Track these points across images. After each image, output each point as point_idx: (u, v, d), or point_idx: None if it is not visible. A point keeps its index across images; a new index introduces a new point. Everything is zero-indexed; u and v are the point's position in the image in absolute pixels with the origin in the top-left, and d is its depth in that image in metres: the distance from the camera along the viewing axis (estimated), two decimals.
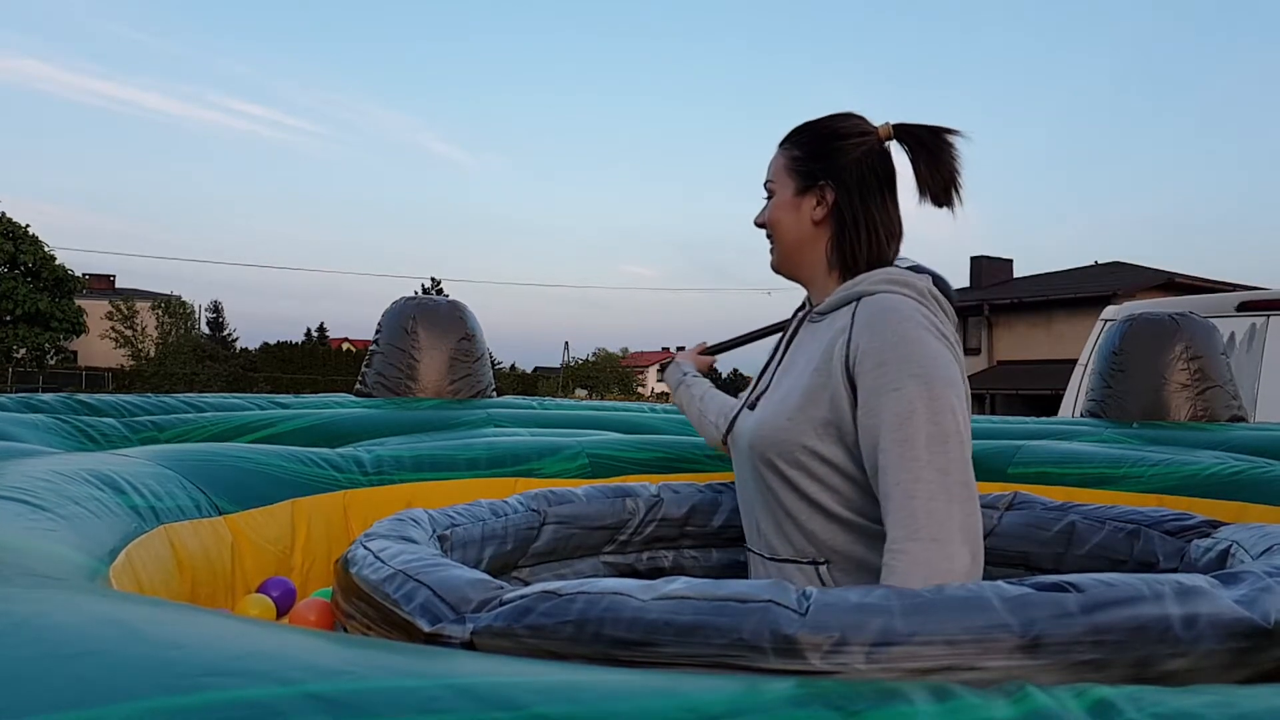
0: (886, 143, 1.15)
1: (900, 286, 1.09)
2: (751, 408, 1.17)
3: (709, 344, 1.52)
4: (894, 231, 1.15)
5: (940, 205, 1.14)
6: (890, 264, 1.13)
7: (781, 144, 1.20)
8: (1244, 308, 4.21)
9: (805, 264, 1.17)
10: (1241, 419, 2.91)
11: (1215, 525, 1.08)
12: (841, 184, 1.13)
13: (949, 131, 1.14)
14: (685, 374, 1.48)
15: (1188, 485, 1.43)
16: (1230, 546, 0.97)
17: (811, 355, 1.10)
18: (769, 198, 1.20)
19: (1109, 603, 0.65)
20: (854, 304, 1.09)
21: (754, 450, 1.11)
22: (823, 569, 1.06)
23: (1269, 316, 4.09)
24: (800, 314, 1.22)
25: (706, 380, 1.46)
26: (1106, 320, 4.26)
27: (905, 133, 1.14)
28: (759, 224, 1.21)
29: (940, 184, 1.13)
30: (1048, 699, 0.47)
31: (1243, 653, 0.64)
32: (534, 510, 1.26)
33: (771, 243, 1.20)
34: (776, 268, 1.21)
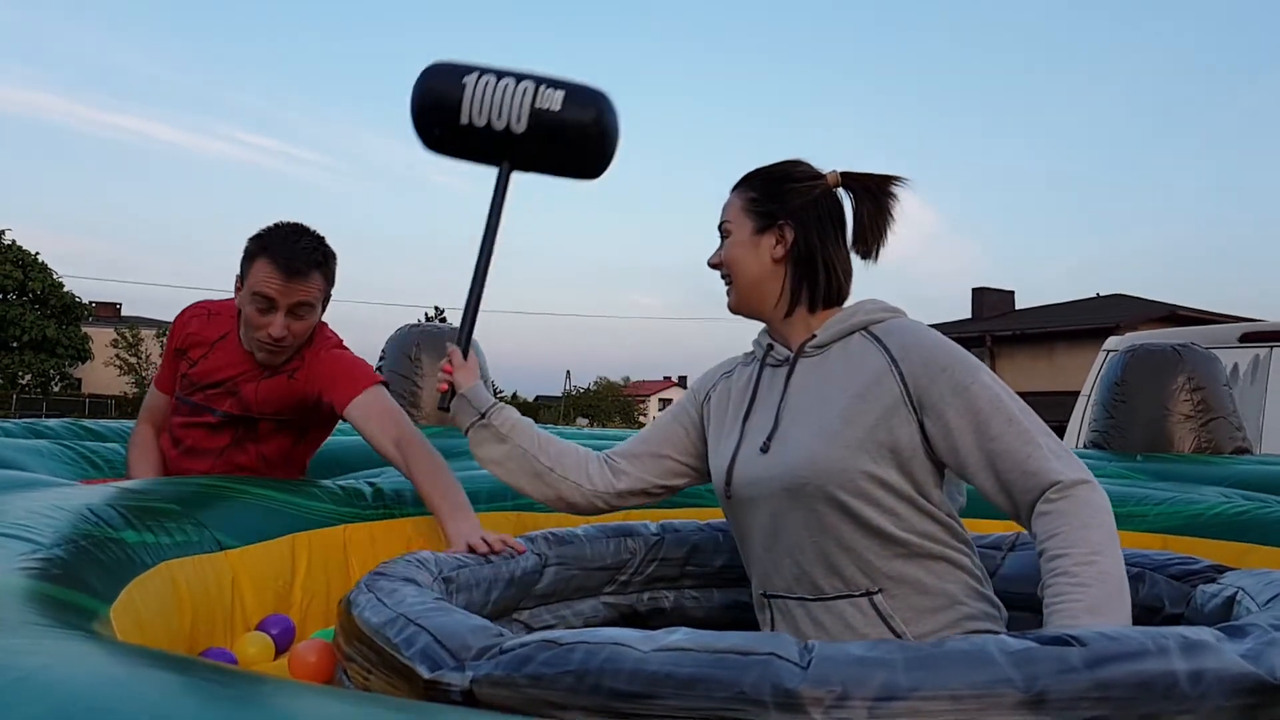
0: (835, 189, 1.19)
1: (896, 311, 1.18)
2: (764, 450, 1.12)
3: (458, 342, 1.35)
4: (848, 270, 1.19)
5: (865, 257, 1.18)
6: (845, 299, 1.19)
7: (736, 187, 1.22)
8: (1247, 339, 4.21)
9: (764, 301, 1.19)
10: (1246, 450, 2.90)
11: (1221, 570, 1.08)
12: (800, 223, 1.16)
13: (896, 180, 1.18)
14: (485, 409, 1.28)
15: (1193, 525, 1.43)
16: (1236, 593, 0.96)
17: (843, 385, 1.10)
18: (724, 237, 1.22)
19: (1113, 657, 0.64)
20: (866, 336, 1.13)
21: (804, 487, 1.07)
22: (877, 598, 1.06)
23: (1272, 348, 4.08)
24: (765, 351, 1.21)
25: (513, 411, 1.32)
26: (1109, 351, 4.26)
27: (853, 180, 1.18)
28: (714, 265, 1.23)
29: (876, 234, 1.17)
30: None
31: (1250, 709, 0.63)
32: (536, 553, 1.25)
33: (728, 283, 1.22)
34: (734, 307, 1.22)
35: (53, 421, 2.70)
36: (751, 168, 1.23)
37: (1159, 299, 18.61)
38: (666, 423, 1.31)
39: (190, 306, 1.70)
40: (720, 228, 1.23)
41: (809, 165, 1.21)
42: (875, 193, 1.17)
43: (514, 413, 1.31)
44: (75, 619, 0.73)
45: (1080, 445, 3.72)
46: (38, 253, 27.02)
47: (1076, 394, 4.56)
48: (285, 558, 1.29)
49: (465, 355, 1.33)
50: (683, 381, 52.37)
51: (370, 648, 0.81)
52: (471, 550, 1.22)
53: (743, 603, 1.37)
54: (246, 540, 1.24)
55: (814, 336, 1.16)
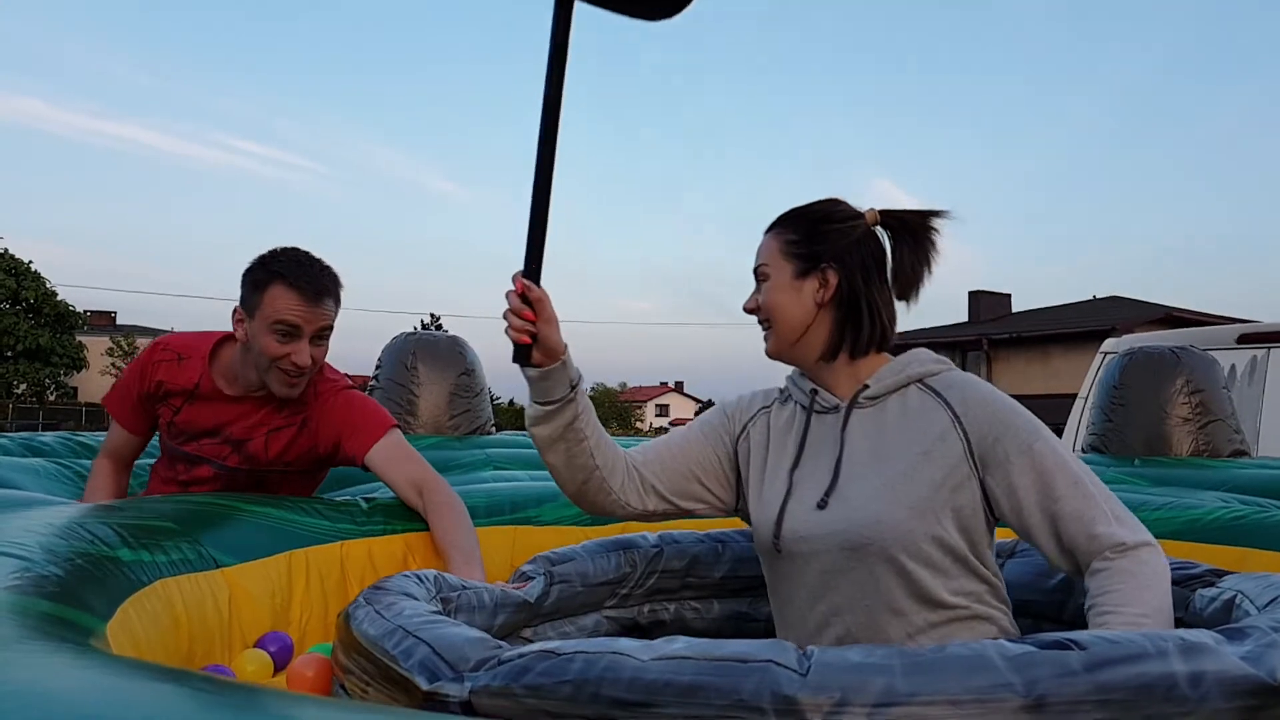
0: (874, 227, 1.15)
1: (946, 362, 1.16)
2: (822, 505, 1.08)
3: (526, 271, 1.07)
4: (893, 314, 1.15)
5: (902, 299, 1.15)
6: (890, 344, 1.16)
7: (771, 229, 1.18)
8: (1244, 340, 4.22)
9: (806, 347, 1.14)
10: (1244, 453, 2.90)
11: (1219, 574, 1.08)
12: (844, 266, 1.12)
13: (935, 215, 1.15)
14: (577, 380, 1.10)
15: (1191, 530, 1.43)
16: (1235, 597, 0.96)
17: (905, 442, 1.07)
18: (761, 281, 1.17)
19: (1113, 660, 0.64)
20: (923, 389, 1.11)
21: (867, 547, 1.04)
22: None
23: (1270, 349, 4.09)
24: (809, 397, 1.16)
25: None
26: (1106, 353, 4.27)
27: (891, 218, 1.15)
28: (750, 310, 1.18)
29: (916, 276, 1.14)
30: None
31: (1251, 711, 0.63)
32: (541, 574, 1.24)
33: (766, 328, 1.17)
34: (773, 353, 1.17)
35: (48, 436, 2.69)
36: (787, 208, 1.18)
37: (1155, 301, 18.67)
38: (699, 445, 1.22)
39: (150, 350, 1.61)
40: (756, 271, 1.18)
41: (847, 204, 1.17)
42: (914, 230, 1.14)
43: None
44: (71, 635, 0.73)
45: (1077, 449, 3.73)
46: (30, 262, 26.98)
47: (1073, 397, 4.57)
48: (282, 575, 1.28)
49: (538, 284, 1.06)
50: (679, 386, 52.37)
51: (368, 659, 0.81)
52: None
53: (742, 613, 1.37)
54: (243, 558, 1.23)
55: (866, 387, 1.12)
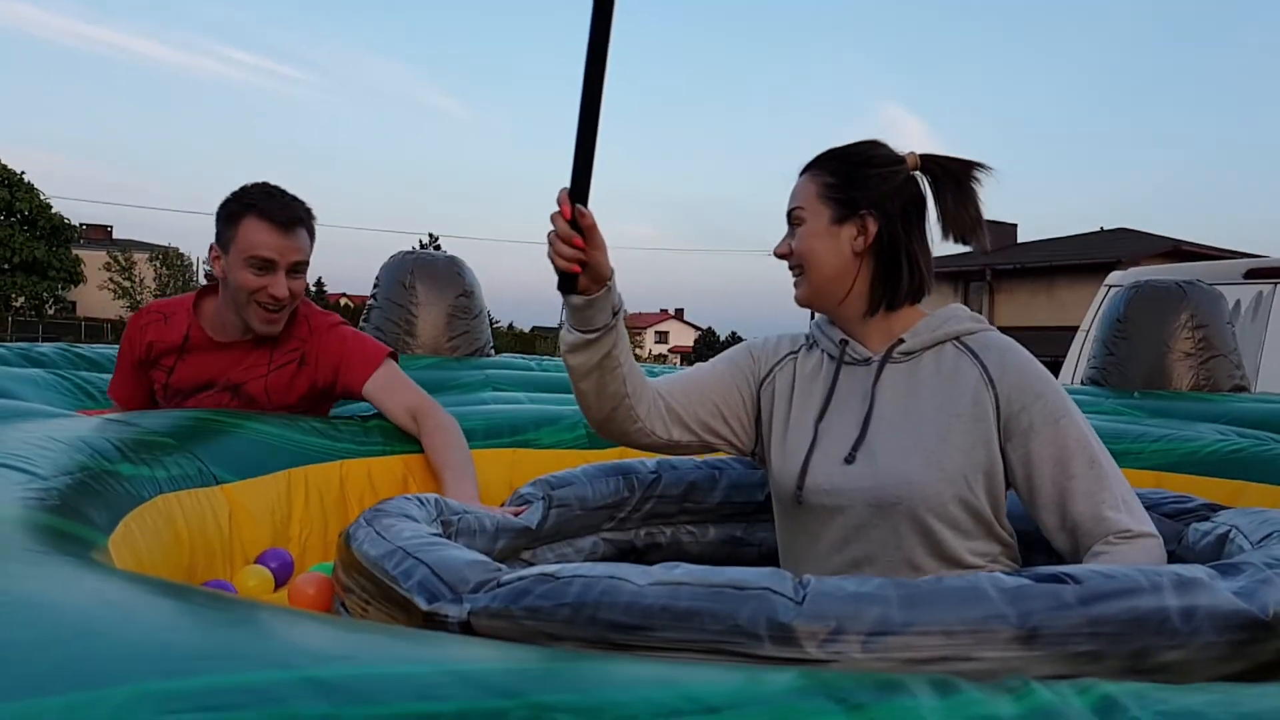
0: (914, 172, 1.09)
1: (983, 321, 1.11)
2: (849, 460, 1.06)
3: (572, 194, 0.97)
4: (930, 265, 1.11)
5: (965, 242, 1.09)
6: (924, 297, 1.12)
7: (808, 170, 1.12)
8: (1251, 275, 4.18)
9: (840, 297, 1.10)
10: (1244, 389, 2.90)
11: (1214, 509, 1.09)
12: (884, 213, 1.07)
13: (978, 166, 1.09)
14: (619, 307, 1.05)
15: (1188, 462, 1.44)
16: (1229, 531, 0.97)
17: (939, 401, 1.05)
18: (795, 225, 1.11)
19: (1107, 594, 0.65)
20: (959, 347, 1.08)
21: (896, 506, 1.03)
22: None
23: (1276, 285, 4.06)
24: (839, 347, 1.13)
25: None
26: (1111, 286, 4.23)
27: (934, 164, 1.09)
28: (781, 255, 1.13)
29: (968, 221, 1.08)
30: (1051, 695, 0.47)
31: (1241, 645, 0.64)
32: (540, 498, 1.25)
33: (798, 274, 1.12)
34: (804, 300, 1.13)
35: (46, 347, 2.68)
36: (825, 149, 1.12)
37: (1164, 233, 18.43)
38: (724, 381, 1.18)
39: (136, 316, 1.62)
40: (790, 214, 1.12)
41: (888, 147, 1.11)
42: (958, 178, 1.09)
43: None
44: (73, 548, 0.73)
45: (1077, 382, 3.74)
46: (23, 172, 26.51)
47: (1076, 329, 4.55)
48: (282, 492, 1.30)
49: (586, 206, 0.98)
50: (679, 314, 52.23)
51: (369, 579, 0.82)
52: None
53: (737, 537, 1.40)
54: (243, 475, 1.24)
55: (900, 341, 1.09)
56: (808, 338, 1.20)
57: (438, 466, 1.41)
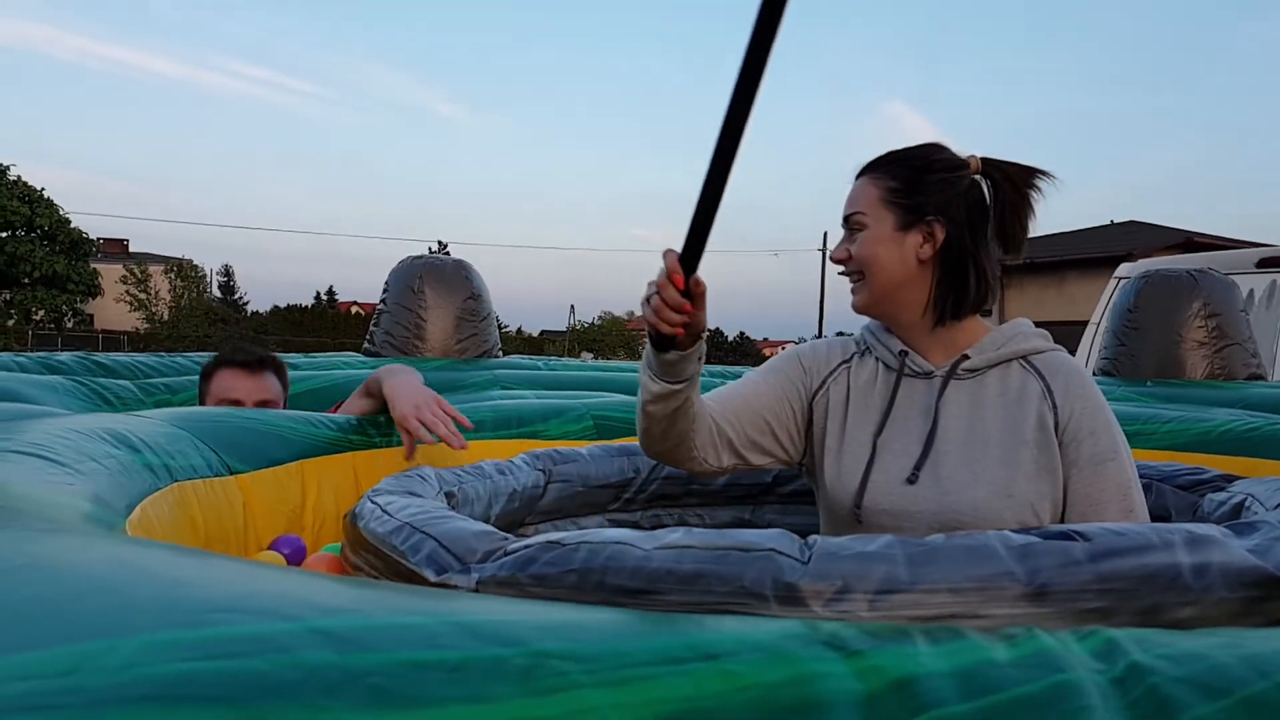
0: (975, 176, 1.06)
1: (1048, 338, 1.08)
2: (912, 480, 1.02)
3: (683, 259, 0.92)
4: (996, 274, 1.07)
5: (1008, 252, 1.06)
6: (987, 306, 1.08)
7: (867, 174, 1.09)
8: (1264, 264, 4.14)
9: (904, 306, 1.07)
10: (1260, 377, 2.87)
11: (1229, 479, 1.08)
12: (951, 220, 1.03)
13: (1039, 173, 1.06)
14: (703, 355, 1.03)
15: (1201, 442, 1.42)
16: (1245, 499, 0.96)
17: (1006, 424, 1.02)
18: (854, 230, 1.08)
19: (1118, 551, 0.64)
20: (1025, 367, 1.05)
21: (955, 529, 0.92)
22: None
23: None
24: (899, 358, 1.09)
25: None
26: (1121, 278, 4.20)
27: (994, 168, 1.06)
28: (839, 260, 1.09)
29: (1021, 229, 1.05)
30: (1051, 641, 0.47)
31: (1255, 601, 0.64)
32: (539, 469, 1.26)
33: (857, 280, 1.08)
34: (864, 307, 1.09)
35: (64, 355, 2.72)
36: (882, 151, 1.08)
37: (1175, 225, 18.25)
38: (774, 394, 1.13)
39: None
40: (849, 219, 1.08)
41: (950, 150, 1.07)
42: (1017, 183, 1.05)
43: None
44: (90, 526, 0.74)
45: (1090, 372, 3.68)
46: (43, 188, 26.88)
47: (1087, 323, 4.52)
48: (295, 483, 1.31)
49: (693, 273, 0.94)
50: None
51: (377, 555, 0.83)
52: (410, 434, 1.27)
53: (745, 520, 1.40)
54: (257, 466, 1.25)
55: (965, 357, 1.06)
56: (858, 343, 1.16)
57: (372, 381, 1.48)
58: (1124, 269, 4.36)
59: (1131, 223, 19.24)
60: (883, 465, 1.05)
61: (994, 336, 1.07)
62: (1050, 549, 0.64)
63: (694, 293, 0.93)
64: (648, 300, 0.94)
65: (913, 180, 1.05)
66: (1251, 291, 4.06)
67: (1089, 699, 0.41)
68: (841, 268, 1.09)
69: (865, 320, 1.16)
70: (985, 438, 1.02)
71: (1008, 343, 1.06)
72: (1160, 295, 2.92)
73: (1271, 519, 0.72)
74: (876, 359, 1.12)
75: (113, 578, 0.50)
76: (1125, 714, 0.41)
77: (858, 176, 1.10)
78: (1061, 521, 1.00)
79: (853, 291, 1.10)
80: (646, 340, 0.98)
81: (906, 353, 1.09)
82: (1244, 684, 0.41)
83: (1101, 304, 4.37)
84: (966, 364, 1.05)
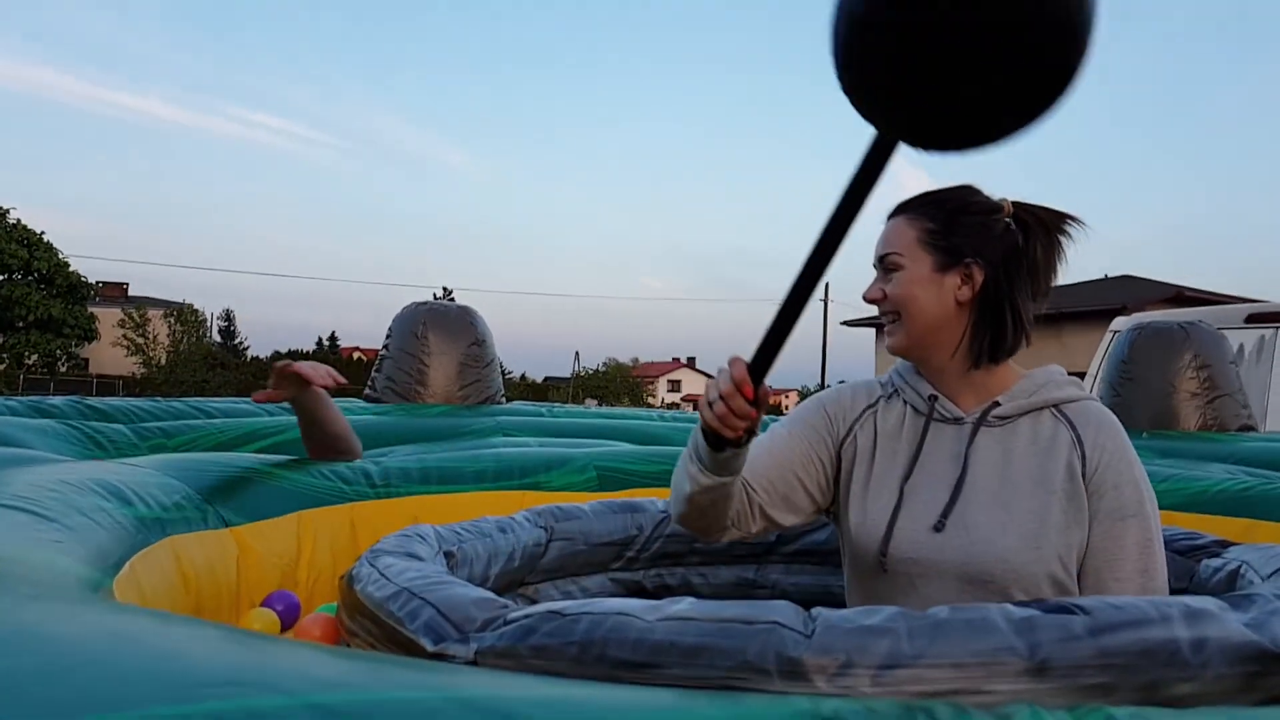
0: (1007, 218, 1.05)
1: (1081, 386, 1.07)
2: (939, 528, 1.01)
3: (747, 362, 0.92)
4: (1032, 320, 1.05)
5: (1035, 298, 1.05)
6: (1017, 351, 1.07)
7: (901, 214, 1.08)
8: (1253, 320, 4.19)
9: (937, 348, 1.05)
10: (1251, 428, 2.89)
11: (1225, 545, 1.08)
12: (990, 263, 1.02)
13: (1070, 218, 1.06)
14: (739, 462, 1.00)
15: (1197, 502, 1.42)
16: (1240, 567, 0.96)
17: (1036, 475, 1.01)
18: (890, 271, 1.06)
19: (1116, 625, 0.64)
20: (1056, 416, 1.03)
21: (988, 584, 0.98)
22: None
23: (1278, 329, 4.06)
24: (928, 403, 1.08)
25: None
26: (1115, 331, 4.24)
27: (1025, 212, 1.05)
28: (874, 300, 1.08)
29: (1050, 275, 1.04)
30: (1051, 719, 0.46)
31: (1253, 676, 0.63)
32: (541, 527, 1.25)
33: (892, 321, 1.07)
34: (900, 349, 1.07)
35: (57, 399, 2.70)
36: (915, 193, 1.08)
37: (1168, 280, 18.50)
38: (801, 448, 1.11)
39: None
40: (884, 259, 1.07)
41: (983, 193, 1.06)
42: (1049, 228, 1.04)
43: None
44: (77, 587, 0.74)
45: None
46: (43, 232, 27.05)
47: (1084, 375, 4.55)
48: (291, 535, 1.30)
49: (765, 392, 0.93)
50: (692, 362, 52.26)
51: (374, 622, 0.82)
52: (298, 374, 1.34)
53: (749, 579, 1.38)
54: (252, 517, 1.24)
55: (997, 404, 1.04)
56: (883, 385, 1.15)
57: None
58: (1118, 322, 4.40)
59: (1125, 277, 19.48)
60: (910, 512, 1.03)
61: (1025, 384, 1.05)
62: (1050, 623, 0.64)
63: (760, 399, 0.93)
64: (710, 404, 0.93)
65: (950, 222, 1.04)
66: (1241, 346, 4.10)
67: None
68: (877, 309, 1.08)
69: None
70: (1015, 487, 1.00)
71: (1039, 390, 1.05)
72: (1153, 347, 2.95)
73: (1266, 591, 0.72)
74: (905, 402, 1.11)
75: (104, 649, 0.50)
76: None
77: (891, 216, 1.09)
78: (1079, 573, 0.99)
79: (888, 334, 1.08)
80: (698, 434, 0.98)
81: (936, 397, 1.07)
82: None
83: (1098, 356, 4.40)
84: (998, 411, 1.04)
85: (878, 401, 1.13)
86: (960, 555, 0.99)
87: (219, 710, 0.42)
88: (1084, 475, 1.00)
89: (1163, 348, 2.90)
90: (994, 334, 1.04)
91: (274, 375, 1.44)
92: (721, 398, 0.91)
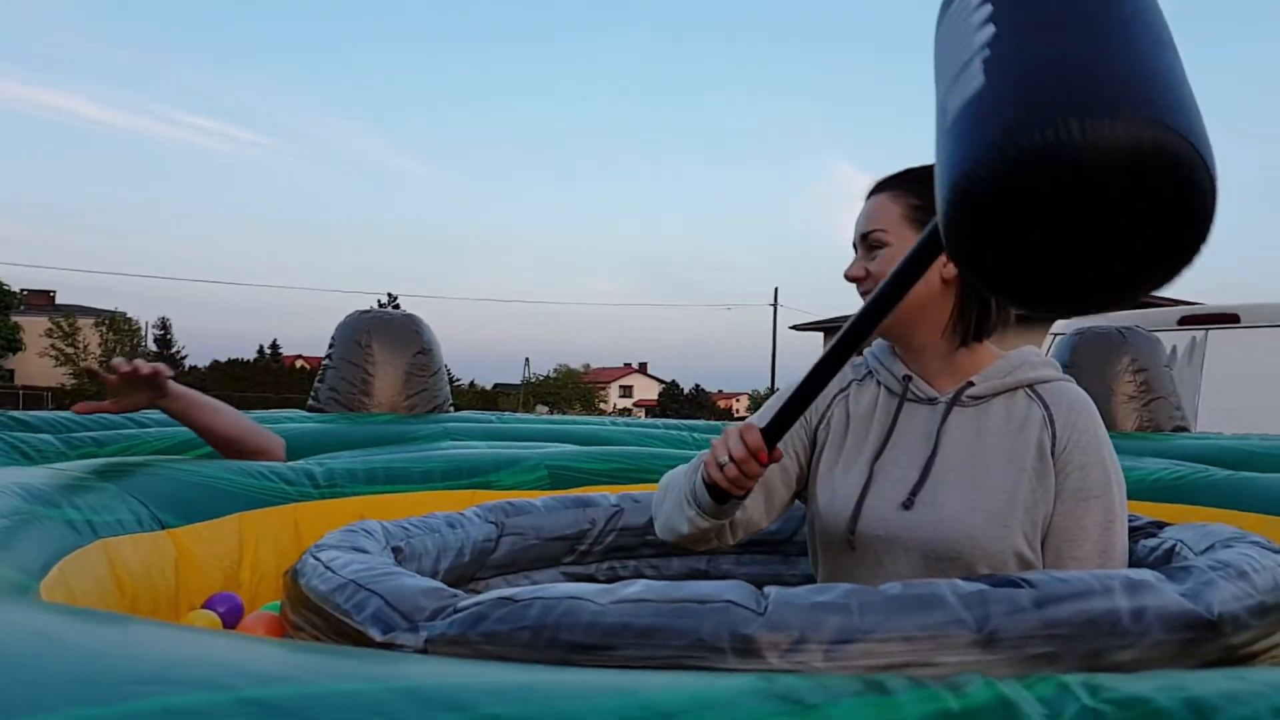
0: None
1: (1056, 367, 1.07)
2: (907, 506, 1.01)
3: (762, 428, 0.94)
4: None
5: None
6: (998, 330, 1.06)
7: (887, 190, 1.06)
8: (1185, 322, 4.37)
9: (921, 328, 1.05)
10: (1184, 429, 3.02)
11: (1161, 526, 1.12)
12: None
13: None
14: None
15: (1134, 491, 1.47)
16: (1175, 545, 1.00)
17: (1006, 453, 1.01)
18: (873, 248, 1.05)
19: (1061, 597, 0.66)
20: (1031, 395, 1.03)
21: (955, 560, 0.98)
22: None
23: (1208, 330, 4.25)
24: (904, 388, 1.07)
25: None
26: (1056, 334, 4.38)
27: None
28: (856, 278, 1.06)
29: None
30: (1002, 689, 0.47)
31: (1189, 644, 0.66)
32: (491, 522, 1.24)
33: None
34: (883, 327, 1.03)
35: None
36: (899, 169, 1.06)
37: None
38: (785, 455, 1.11)
39: None
40: (867, 237, 1.05)
41: None
42: None
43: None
44: (1, 590, 0.70)
45: None
46: None
47: None
48: (232, 537, 1.25)
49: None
50: (643, 367, 52.40)
51: (319, 615, 0.79)
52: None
53: (700, 570, 1.38)
54: (191, 519, 1.20)
55: (971, 384, 1.04)
56: (854, 368, 1.14)
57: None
58: (1059, 325, 4.54)
59: None
60: (879, 490, 1.03)
61: (1000, 364, 1.05)
62: (998, 596, 0.66)
63: (772, 460, 0.94)
64: (721, 466, 0.94)
65: (934, 198, 1.04)
66: (1174, 348, 4.27)
67: None
68: (859, 286, 1.07)
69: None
70: (985, 466, 1.01)
71: (1014, 370, 1.04)
72: (1093, 351, 3.05)
73: (1201, 563, 0.75)
74: (879, 383, 1.11)
75: (20, 649, 0.47)
76: None
77: (872, 193, 1.08)
78: (1042, 550, 1.00)
79: None
80: (699, 485, 0.98)
81: (911, 378, 1.07)
82: None
83: None
84: (971, 390, 1.04)
85: (849, 385, 1.13)
86: (927, 533, 0.99)
87: (144, 710, 0.40)
88: (1053, 453, 1.00)
89: (1103, 352, 3.00)
90: (980, 311, 1.03)
91: (119, 380, 1.31)
92: (734, 461, 0.91)
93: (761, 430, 0.92)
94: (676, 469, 1.13)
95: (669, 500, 1.06)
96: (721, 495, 0.96)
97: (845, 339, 0.84)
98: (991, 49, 0.56)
